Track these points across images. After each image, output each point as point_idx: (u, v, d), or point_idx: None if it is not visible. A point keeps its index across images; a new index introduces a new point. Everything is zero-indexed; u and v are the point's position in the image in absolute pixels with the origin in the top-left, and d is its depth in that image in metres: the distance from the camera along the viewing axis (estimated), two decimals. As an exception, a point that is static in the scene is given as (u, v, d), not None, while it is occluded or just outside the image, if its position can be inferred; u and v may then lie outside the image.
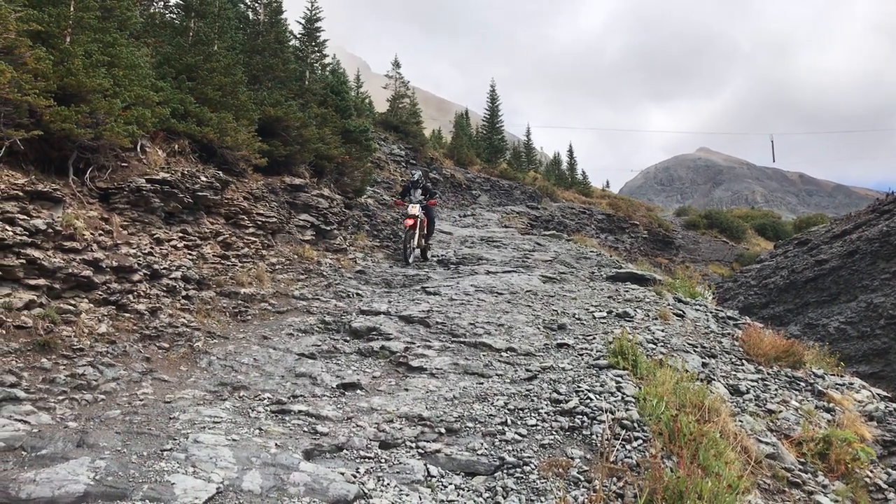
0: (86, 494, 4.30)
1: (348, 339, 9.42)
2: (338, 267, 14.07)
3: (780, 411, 8.10)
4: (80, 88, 8.70)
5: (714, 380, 8.41)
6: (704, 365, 8.87)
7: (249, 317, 10.00)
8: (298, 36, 19.24)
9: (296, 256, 13.46)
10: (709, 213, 58.31)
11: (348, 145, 18.07)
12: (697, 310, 12.26)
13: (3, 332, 6.67)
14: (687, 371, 7.94)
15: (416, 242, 15.91)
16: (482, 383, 7.49)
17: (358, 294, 12.14)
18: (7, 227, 7.12)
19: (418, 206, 15.81)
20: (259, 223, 12.89)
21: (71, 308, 7.55)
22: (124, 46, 10.05)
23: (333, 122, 17.80)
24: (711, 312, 12.37)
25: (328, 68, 21.63)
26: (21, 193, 7.63)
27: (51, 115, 8.15)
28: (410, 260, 15.71)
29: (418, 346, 8.83)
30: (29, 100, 7.81)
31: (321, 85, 18.96)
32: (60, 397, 6.23)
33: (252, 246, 12.32)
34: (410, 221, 15.73)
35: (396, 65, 34.94)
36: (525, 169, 45.59)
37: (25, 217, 7.45)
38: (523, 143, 52.36)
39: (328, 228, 15.29)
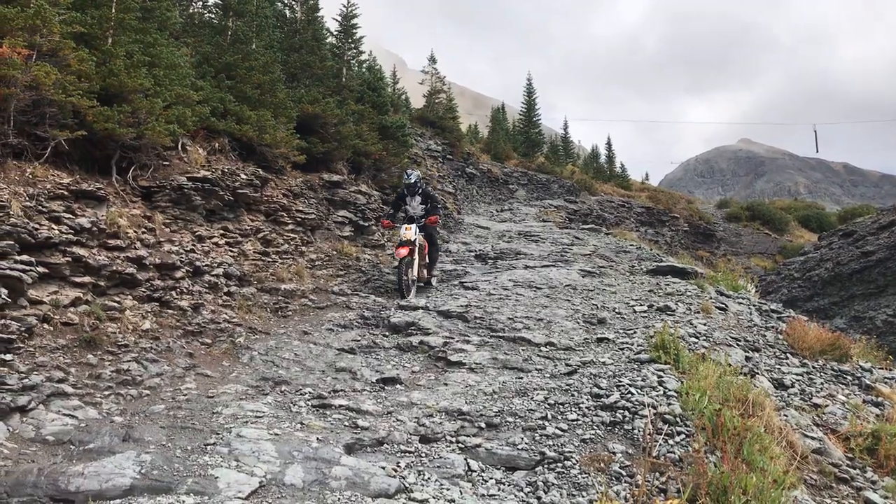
0: (132, 488, 4.37)
1: (387, 334, 9.44)
2: (376, 262, 14.13)
3: (827, 405, 7.92)
4: (122, 88, 8.84)
5: (758, 374, 8.25)
6: (748, 359, 8.72)
7: (290, 312, 10.09)
8: (335, 33, 19.36)
9: (335, 252, 13.55)
10: (751, 205, 57.31)
11: (385, 141, 18.13)
12: (740, 303, 12.06)
13: (51, 328, 6.81)
14: (730, 365, 7.80)
15: (415, 273, 11.98)
16: (522, 378, 7.46)
17: (396, 289, 12.16)
18: (53, 226, 7.26)
19: (414, 227, 11.97)
20: (298, 220, 12.99)
21: (116, 305, 7.68)
22: (164, 46, 10.19)
23: (370, 119, 17.87)
24: (755, 305, 12.15)
25: (365, 65, 21.74)
26: (66, 193, 7.78)
27: (94, 116, 8.29)
28: (410, 296, 11.51)
29: (457, 341, 8.82)
30: (73, 101, 7.96)
31: (358, 81, 19.05)
32: (106, 392, 6.34)
33: (292, 242, 12.42)
34: (404, 251, 11.63)
35: (432, 60, 34.91)
36: (563, 162, 45.26)
37: (71, 216, 7.59)
38: (560, 137, 51.99)
39: (366, 224, 15.35)
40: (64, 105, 7.92)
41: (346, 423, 5.98)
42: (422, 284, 12.50)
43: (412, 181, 12.68)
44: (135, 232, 8.55)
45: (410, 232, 11.79)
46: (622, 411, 6.35)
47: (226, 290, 9.64)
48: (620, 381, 6.99)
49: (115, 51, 9.00)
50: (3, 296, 6.17)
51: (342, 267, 13.07)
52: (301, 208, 13.23)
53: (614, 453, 5.65)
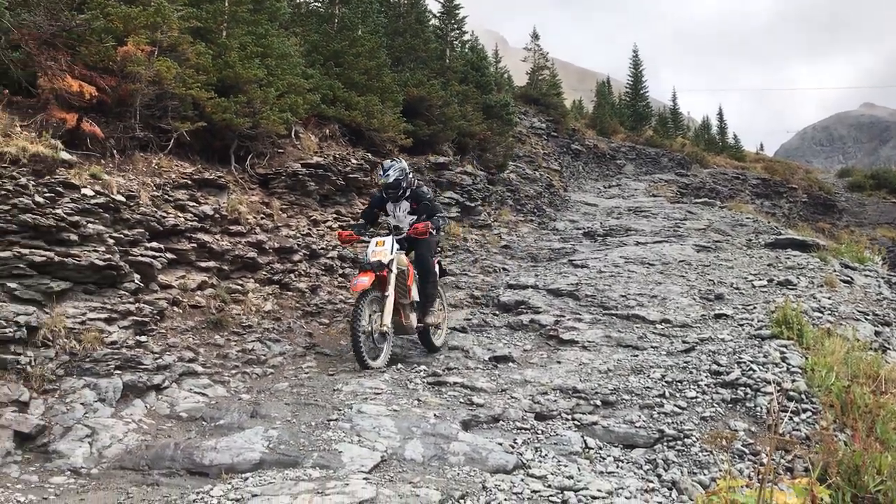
0: (261, 461, 4.58)
1: (497, 312, 9.48)
2: (483, 242, 14.17)
3: (969, 383, 7.44)
4: (238, 80, 9.17)
5: (889, 349, 7.83)
6: (878, 333, 8.27)
7: (401, 293, 10.27)
8: (438, 15, 19.42)
9: (442, 233, 13.65)
10: (875, 173, 54.00)
11: (489, 121, 18.10)
12: (867, 276, 11.44)
13: (180, 311, 7.19)
14: (858, 340, 7.43)
15: (387, 319, 7.06)
16: (637, 356, 7.34)
17: (504, 269, 12.18)
18: (179, 214, 7.64)
19: (390, 241, 7.37)
20: (407, 202, 13.15)
21: (239, 288, 8.03)
22: (275, 37, 10.50)
23: (474, 99, 17.87)
24: (883, 278, 11.51)
25: (467, 45, 21.71)
26: (189, 182, 8.17)
27: (212, 107, 8.63)
28: (378, 362, 6.97)
29: (568, 319, 8.76)
30: (192, 93, 8.32)
31: (461, 62, 19.07)
32: (233, 371, 6.66)
33: (401, 224, 12.60)
34: (365, 280, 6.93)
35: (535, 37, 34.52)
36: (672, 135, 43.95)
37: (195, 204, 7.96)
38: (669, 109, 50.44)
39: (472, 205, 15.40)
40: (184, 98, 8.29)
41: (462, 400, 6.06)
42: (428, 351, 8.00)
43: (391, 179, 7.82)
44: (254, 218, 8.89)
45: (383, 249, 7.25)
46: (743, 388, 6.17)
47: (340, 271, 9.91)
48: (741, 358, 6.78)
49: (229, 43, 9.34)
50: (137, 281, 6.55)
51: (450, 248, 13.17)
52: (409, 190, 13.38)
53: (736, 431, 5.51)
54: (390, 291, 7.16)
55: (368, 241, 7.58)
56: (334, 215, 10.77)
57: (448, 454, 4.78)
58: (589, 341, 7.93)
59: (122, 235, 6.57)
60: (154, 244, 7.01)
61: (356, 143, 12.39)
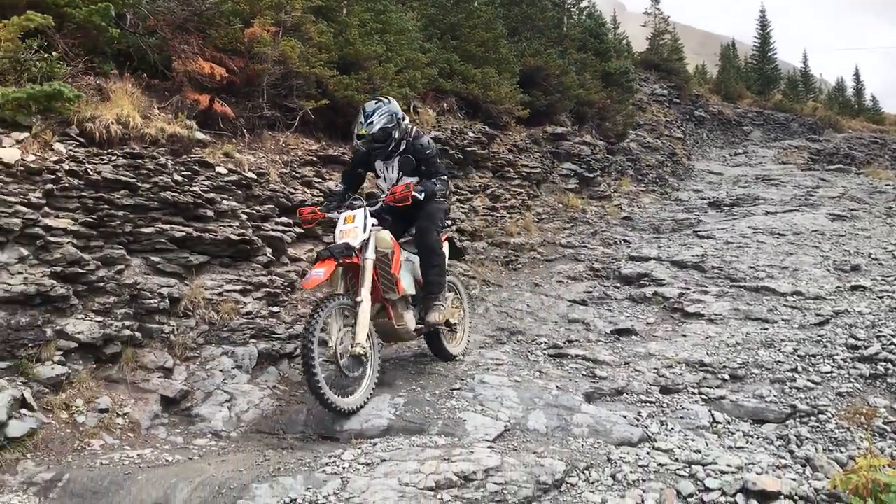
0: (388, 428, 4.72)
1: (618, 285, 9.35)
2: (603, 214, 13.95)
3: None
4: (358, 56, 9.34)
5: None
6: None
7: (520, 265, 10.29)
8: (554, -17, 19.07)
9: (560, 205, 13.54)
10: None
11: (609, 89, 17.68)
12: None
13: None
14: None
15: (358, 338, 4.91)
16: (767, 329, 7.09)
17: (625, 240, 11.96)
18: (306, 190, 7.90)
19: (361, 214, 5.31)
20: (524, 174, 13.10)
21: (362, 260, 8.24)
22: (393, 13, 10.64)
23: (593, 67, 17.50)
24: None
25: (585, 12, 21.27)
26: (315, 158, 8.42)
27: (334, 85, 8.84)
28: (352, 401, 4.83)
29: (693, 292, 8.54)
30: (315, 72, 8.54)
31: (579, 30, 18.70)
32: (359, 341, 6.85)
33: (518, 197, 12.57)
34: (320, 273, 4.87)
35: (655, 0, 33.38)
36: (802, 99, 41.63)
37: (320, 179, 8.21)
38: (799, 71, 47.75)
39: (591, 175, 15.16)
40: (308, 76, 8.52)
41: (584, 373, 6.03)
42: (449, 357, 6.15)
43: (375, 129, 5.62)
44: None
45: (353, 226, 5.24)
46: (884, 364, 5.88)
47: (459, 245, 10.00)
48: (881, 332, 6.45)
49: (349, 21, 9.52)
50: (268, 254, 6.84)
51: (569, 220, 13.04)
52: (526, 162, 13.32)
53: (876, 408, 5.25)
54: (364, 291, 5.02)
55: (338, 219, 5.39)
56: (453, 189, 10.86)
57: (571, 426, 4.78)
58: (716, 314, 7.71)
59: (253, 211, 6.87)
60: (283, 219, 7.28)
61: (473, 116, 12.41)
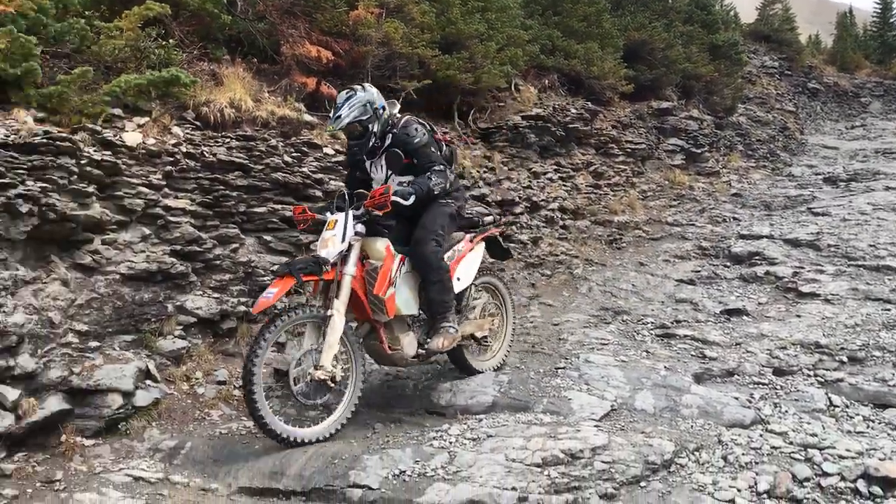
0: (493, 404, 4.76)
1: (728, 264, 9.07)
2: (711, 191, 13.52)
3: None
4: (459, 36, 9.34)
5: None
6: None
7: (624, 244, 10.12)
8: (659, -47, 18.49)
9: (666, 182, 13.20)
10: None
11: (716, 62, 17.04)
12: None
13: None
14: None
15: (322, 360, 4.25)
16: (889, 310, 6.76)
17: (735, 218, 11.57)
18: (409, 169, 7.98)
19: (342, 219, 4.51)
20: (628, 150, 12.83)
21: (465, 239, 8.28)
22: (494, -10, 10.56)
23: (699, 39, 16.89)
24: None
25: (691, -17, 20.53)
26: (418, 138, 8.49)
27: (436, 65, 8.88)
28: (317, 431, 4.31)
29: (808, 271, 8.20)
30: (418, 52, 8.59)
31: (685, 1, 18.09)
32: (462, 319, 6.90)
33: (622, 174, 12.33)
34: (269, 296, 4.17)
35: (765, -32, 31.90)
36: (929, 67, 39.06)
37: (423, 159, 8.28)
38: (926, 37, 44.79)
39: (698, 151, 14.68)
40: (411, 57, 8.58)
41: (693, 353, 5.90)
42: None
43: (345, 122, 4.78)
44: (477, 172, 9.10)
45: (332, 234, 4.51)
46: None
47: (561, 223, 9.92)
48: None
49: (451, 0, 9.52)
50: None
51: (675, 197, 12.71)
52: (630, 139, 13.04)
53: None
54: (339, 305, 4.33)
55: (329, 220, 4.63)
56: (554, 167, 10.74)
57: (680, 406, 4.69)
58: (832, 294, 7.39)
59: (359, 191, 7.01)
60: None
61: (575, 93, 12.22)
